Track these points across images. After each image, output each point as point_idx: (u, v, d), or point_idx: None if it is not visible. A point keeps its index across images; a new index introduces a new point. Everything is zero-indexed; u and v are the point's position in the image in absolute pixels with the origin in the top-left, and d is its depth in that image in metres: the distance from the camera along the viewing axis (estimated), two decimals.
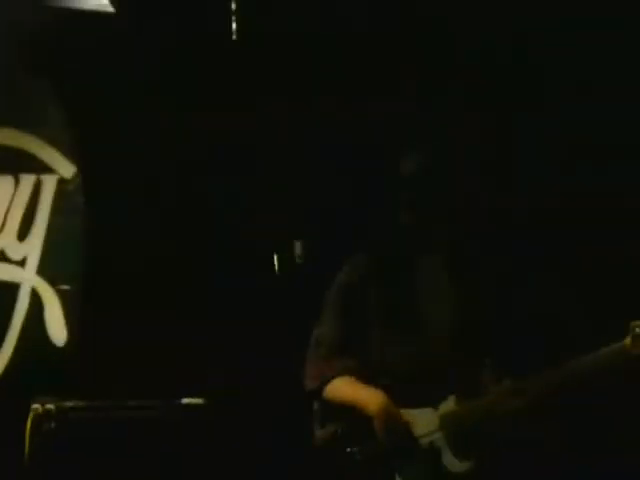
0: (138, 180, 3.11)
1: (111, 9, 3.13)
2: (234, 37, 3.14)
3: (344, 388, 2.19)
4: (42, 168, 3.21)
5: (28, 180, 3.19)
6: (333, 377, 2.19)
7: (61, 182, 3.22)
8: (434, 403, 2.14)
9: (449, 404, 2.14)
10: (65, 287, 3.12)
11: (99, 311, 3.05)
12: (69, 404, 2.88)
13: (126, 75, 3.13)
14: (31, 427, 2.78)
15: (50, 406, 2.83)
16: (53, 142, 3.23)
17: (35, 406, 2.80)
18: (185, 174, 3.13)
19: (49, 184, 3.21)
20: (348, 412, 2.16)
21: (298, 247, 3.03)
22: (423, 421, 2.12)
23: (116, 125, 3.09)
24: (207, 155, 3.11)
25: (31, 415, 2.80)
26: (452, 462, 2.11)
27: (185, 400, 2.62)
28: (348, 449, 2.15)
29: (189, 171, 3.11)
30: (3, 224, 3.18)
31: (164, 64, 3.12)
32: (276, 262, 3.06)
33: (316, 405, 2.27)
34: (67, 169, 3.23)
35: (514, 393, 2.09)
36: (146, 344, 2.86)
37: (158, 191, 3.12)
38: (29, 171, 3.20)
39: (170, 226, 3.07)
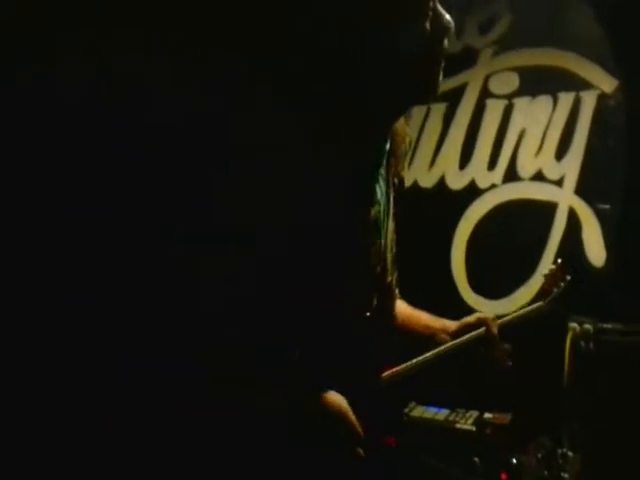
0: None
1: None
2: None
3: None
4: (581, 85, 3.09)
5: (567, 98, 3.10)
6: None
7: (601, 98, 3.05)
8: None
9: None
10: (604, 206, 2.94)
11: (637, 231, 2.81)
12: (607, 326, 2.74)
13: None
14: (570, 346, 2.73)
15: (588, 326, 2.75)
16: (593, 57, 3.07)
17: (573, 325, 2.75)
18: None
19: (589, 100, 3.07)
20: None
21: None
22: None
23: None
24: None
25: (569, 334, 2.76)
26: None
27: None
28: None
29: None
30: (541, 144, 3.15)
31: None
32: None
33: None
34: (608, 84, 3.04)
35: None
36: None
37: None
38: (568, 89, 3.11)
39: None
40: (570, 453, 2.53)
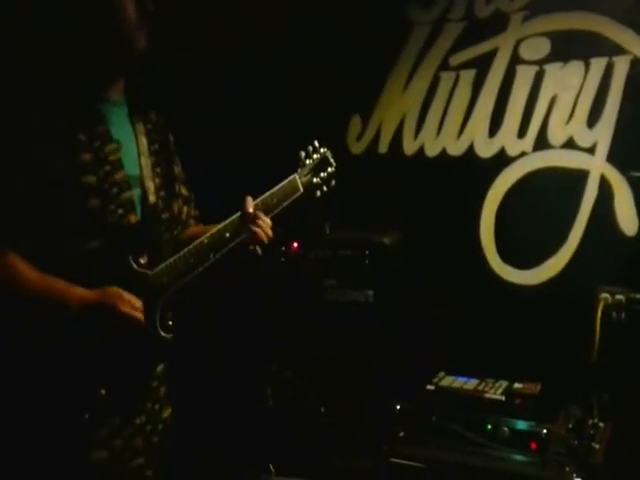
0: None
1: None
2: None
3: None
4: (614, 50, 3.01)
5: (599, 63, 3.04)
6: None
7: (634, 62, 2.98)
8: None
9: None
10: (636, 174, 2.89)
11: None
12: (639, 296, 2.72)
13: None
14: (601, 316, 2.72)
15: (620, 297, 2.73)
16: (626, 21, 2.99)
17: (604, 295, 2.73)
18: None
19: (621, 66, 3.00)
20: None
21: None
22: None
23: None
24: None
25: (600, 304, 2.74)
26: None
27: None
28: None
29: None
30: (572, 111, 3.09)
31: None
32: None
33: None
34: None
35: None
36: None
37: None
38: (600, 54, 3.04)
39: None
40: (600, 423, 2.53)
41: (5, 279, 1.81)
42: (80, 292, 1.83)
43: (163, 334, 1.92)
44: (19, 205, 1.81)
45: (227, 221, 2.04)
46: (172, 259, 1.96)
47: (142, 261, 1.92)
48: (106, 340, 1.83)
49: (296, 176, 2.20)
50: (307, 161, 2.25)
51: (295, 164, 2.24)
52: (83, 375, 1.82)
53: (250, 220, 2.03)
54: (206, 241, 2.00)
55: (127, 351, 1.86)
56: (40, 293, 1.81)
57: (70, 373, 1.81)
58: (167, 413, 2.10)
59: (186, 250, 1.98)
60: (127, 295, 1.84)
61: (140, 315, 1.85)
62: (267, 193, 2.11)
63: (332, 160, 2.32)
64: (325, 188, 2.28)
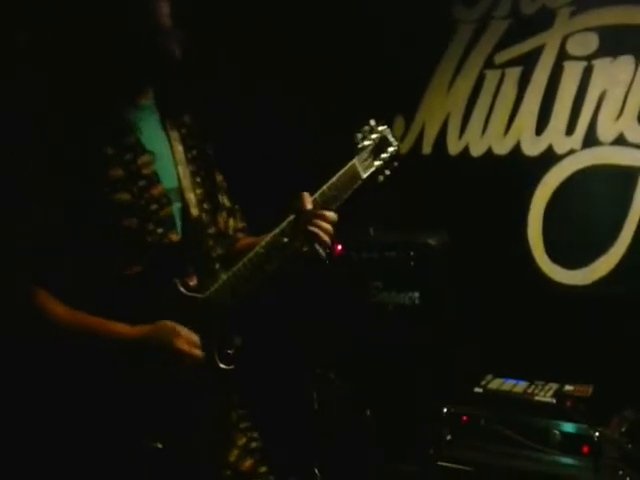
0: None
1: None
2: None
3: None
4: None
5: None
6: None
7: None
8: None
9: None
10: None
11: None
12: None
13: None
14: None
15: None
16: None
17: None
18: None
19: None
20: None
21: None
22: None
23: None
24: None
25: None
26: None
27: None
28: None
29: None
30: (623, 106, 3.02)
31: None
32: None
33: None
34: None
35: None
36: None
37: None
38: None
39: None
40: None
41: (39, 323, 1.65)
42: (126, 330, 1.64)
43: (223, 366, 1.72)
44: (47, 235, 1.64)
45: (283, 224, 1.80)
46: (225, 277, 1.75)
47: (191, 284, 1.72)
48: (159, 386, 1.64)
49: (355, 162, 1.89)
50: (365, 142, 1.94)
51: (352, 148, 1.94)
52: (137, 428, 1.64)
53: (309, 218, 1.78)
54: (262, 251, 1.77)
55: (184, 394, 1.67)
56: (79, 336, 1.64)
57: (123, 427, 1.63)
58: (248, 465, 1.84)
59: (240, 265, 1.76)
60: (183, 330, 1.64)
61: (199, 352, 1.65)
62: (324, 186, 1.85)
63: (392, 138, 2.00)
64: (388, 172, 1.98)
